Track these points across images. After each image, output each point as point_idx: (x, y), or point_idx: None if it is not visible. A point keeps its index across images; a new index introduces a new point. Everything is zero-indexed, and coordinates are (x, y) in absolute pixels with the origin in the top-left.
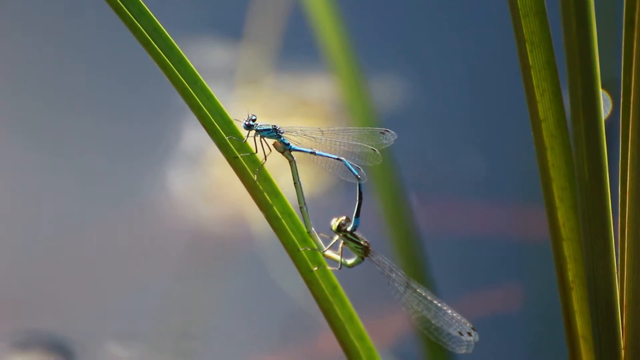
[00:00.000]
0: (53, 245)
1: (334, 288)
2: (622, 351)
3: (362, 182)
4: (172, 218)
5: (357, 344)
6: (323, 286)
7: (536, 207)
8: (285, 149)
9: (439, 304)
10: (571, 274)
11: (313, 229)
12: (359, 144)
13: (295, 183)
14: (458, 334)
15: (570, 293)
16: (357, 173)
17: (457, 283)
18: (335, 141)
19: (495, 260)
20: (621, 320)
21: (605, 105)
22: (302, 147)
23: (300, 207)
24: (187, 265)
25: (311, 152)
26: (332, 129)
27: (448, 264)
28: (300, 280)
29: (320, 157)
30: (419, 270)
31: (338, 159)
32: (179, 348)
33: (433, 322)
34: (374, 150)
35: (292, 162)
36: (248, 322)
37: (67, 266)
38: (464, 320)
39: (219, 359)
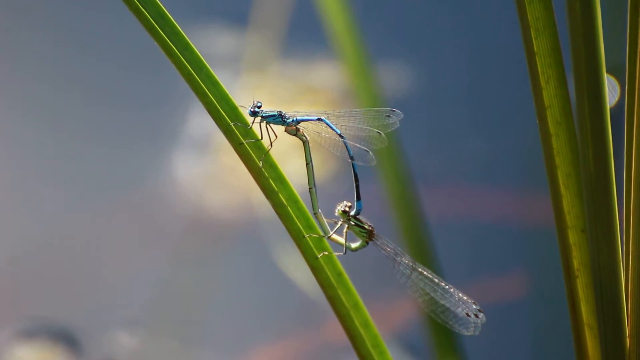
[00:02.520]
0: (58, 232)
1: (339, 275)
2: (627, 339)
3: (357, 162)
4: (178, 204)
5: (362, 331)
6: (328, 273)
7: (541, 194)
8: (294, 126)
9: (446, 286)
10: (576, 261)
11: (320, 210)
12: (364, 127)
13: (307, 164)
14: (465, 315)
15: (575, 281)
16: (351, 153)
17: (462, 270)
18: (341, 125)
19: (499, 247)
20: (626, 308)
21: (613, 91)
22: (307, 126)
23: (310, 188)
24: (191, 252)
25: (318, 119)
26: (336, 112)
27: (453, 250)
28: (305, 266)
29: (326, 139)
30: (424, 256)
31: (340, 135)
32: (181, 334)
33: (440, 303)
34: (379, 133)
35: (305, 142)
36: (252, 308)
37: (72, 252)
38: (470, 301)
39: (223, 344)
